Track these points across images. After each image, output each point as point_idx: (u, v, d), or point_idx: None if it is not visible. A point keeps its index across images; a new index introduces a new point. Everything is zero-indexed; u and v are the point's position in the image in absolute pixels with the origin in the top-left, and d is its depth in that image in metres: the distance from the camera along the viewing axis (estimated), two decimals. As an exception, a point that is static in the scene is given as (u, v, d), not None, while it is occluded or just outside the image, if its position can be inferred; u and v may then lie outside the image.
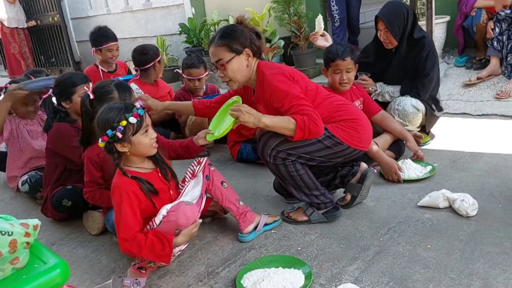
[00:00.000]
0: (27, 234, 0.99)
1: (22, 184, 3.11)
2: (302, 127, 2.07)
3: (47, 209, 2.70)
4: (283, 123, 2.10)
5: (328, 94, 2.33)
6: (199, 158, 2.21)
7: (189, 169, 2.17)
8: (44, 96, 2.90)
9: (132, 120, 1.85)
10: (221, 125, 2.25)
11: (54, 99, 2.68)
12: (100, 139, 1.89)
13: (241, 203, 2.25)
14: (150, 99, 2.72)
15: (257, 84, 2.26)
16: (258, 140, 2.29)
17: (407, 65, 3.03)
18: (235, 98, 2.30)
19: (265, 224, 2.30)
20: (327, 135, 2.19)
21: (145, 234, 1.87)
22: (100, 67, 4.01)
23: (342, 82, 2.78)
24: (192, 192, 2.06)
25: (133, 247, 1.84)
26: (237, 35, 2.19)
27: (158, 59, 3.73)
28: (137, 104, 1.91)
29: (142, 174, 1.98)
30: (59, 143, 2.62)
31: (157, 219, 1.88)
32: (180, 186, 2.15)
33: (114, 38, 4.00)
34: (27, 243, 0.99)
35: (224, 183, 2.22)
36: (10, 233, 0.96)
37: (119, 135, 1.84)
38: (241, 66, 2.20)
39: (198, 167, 2.16)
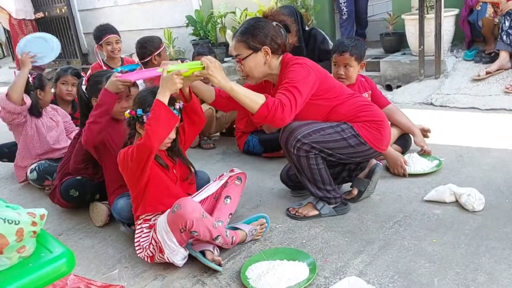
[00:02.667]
0: (33, 223, 1.00)
1: (31, 172, 3.13)
2: (269, 106, 1.97)
3: (55, 196, 2.74)
4: (251, 95, 2.01)
5: (353, 94, 2.31)
6: (233, 169, 2.28)
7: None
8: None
9: None
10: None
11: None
12: (128, 111, 1.98)
13: (216, 225, 2.00)
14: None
15: (279, 79, 2.20)
16: (282, 130, 2.24)
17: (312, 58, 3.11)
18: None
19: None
20: (353, 134, 2.19)
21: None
22: (104, 64, 3.98)
23: (339, 76, 2.74)
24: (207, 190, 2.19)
25: (145, 135, 1.85)
26: (256, 32, 2.13)
27: (157, 52, 3.64)
28: (177, 105, 1.99)
29: None
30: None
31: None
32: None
33: (112, 31, 3.93)
34: (34, 232, 1.00)
35: (227, 199, 2.20)
36: (17, 222, 0.97)
37: (145, 118, 1.92)
38: (258, 63, 2.16)
39: (228, 173, 2.26)
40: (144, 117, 1.92)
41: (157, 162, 2.04)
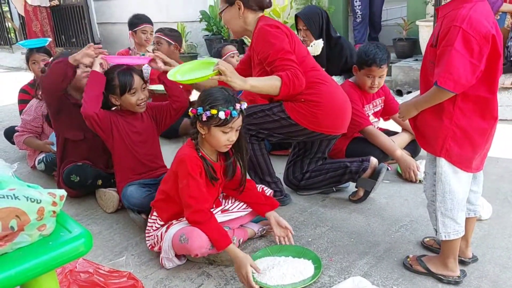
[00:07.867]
0: (54, 203, 1.02)
1: (38, 163, 3.15)
2: (287, 82, 2.12)
3: (59, 185, 2.75)
4: (269, 81, 2.14)
5: (313, 67, 2.35)
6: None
7: None
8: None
9: (221, 115, 1.84)
10: (192, 73, 2.16)
11: None
12: (190, 109, 1.93)
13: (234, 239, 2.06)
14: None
15: (253, 36, 2.32)
16: None
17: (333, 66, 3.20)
18: (215, 60, 2.17)
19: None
20: (282, 116, 2.29)
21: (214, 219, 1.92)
22: (134, 50, 4.02)
23: (372, 87, 2.78)
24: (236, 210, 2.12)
25: (201, 219, 1.88)
26: None
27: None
28: (238, 106, 1.88)
29: (208, 158, 1.98)
30: None
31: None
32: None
33: (147, 21, 4.05)
34: (54, 212, 1.03)
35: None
36: (38, 201, 0.99)
37: (204, 117, 1.85)
38: (233, 16, 2.33)
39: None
40: (203, 115, 1.85)
41: (207, 172, 1.95)
